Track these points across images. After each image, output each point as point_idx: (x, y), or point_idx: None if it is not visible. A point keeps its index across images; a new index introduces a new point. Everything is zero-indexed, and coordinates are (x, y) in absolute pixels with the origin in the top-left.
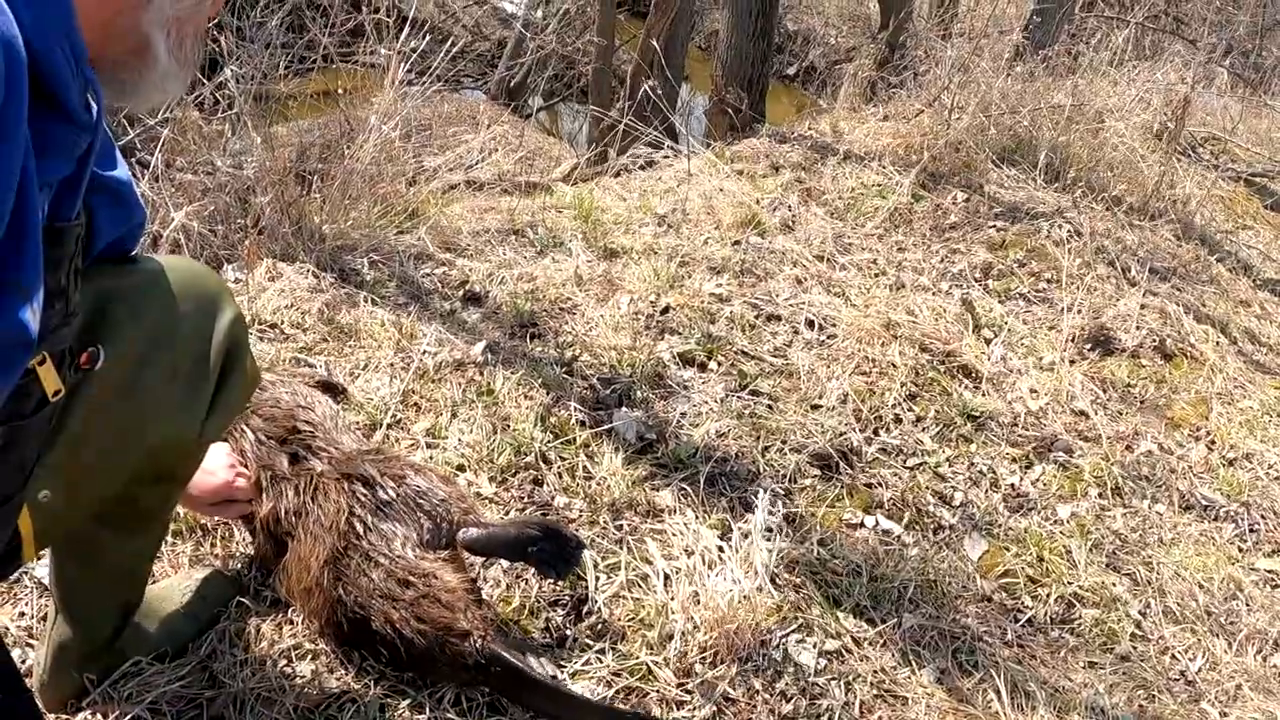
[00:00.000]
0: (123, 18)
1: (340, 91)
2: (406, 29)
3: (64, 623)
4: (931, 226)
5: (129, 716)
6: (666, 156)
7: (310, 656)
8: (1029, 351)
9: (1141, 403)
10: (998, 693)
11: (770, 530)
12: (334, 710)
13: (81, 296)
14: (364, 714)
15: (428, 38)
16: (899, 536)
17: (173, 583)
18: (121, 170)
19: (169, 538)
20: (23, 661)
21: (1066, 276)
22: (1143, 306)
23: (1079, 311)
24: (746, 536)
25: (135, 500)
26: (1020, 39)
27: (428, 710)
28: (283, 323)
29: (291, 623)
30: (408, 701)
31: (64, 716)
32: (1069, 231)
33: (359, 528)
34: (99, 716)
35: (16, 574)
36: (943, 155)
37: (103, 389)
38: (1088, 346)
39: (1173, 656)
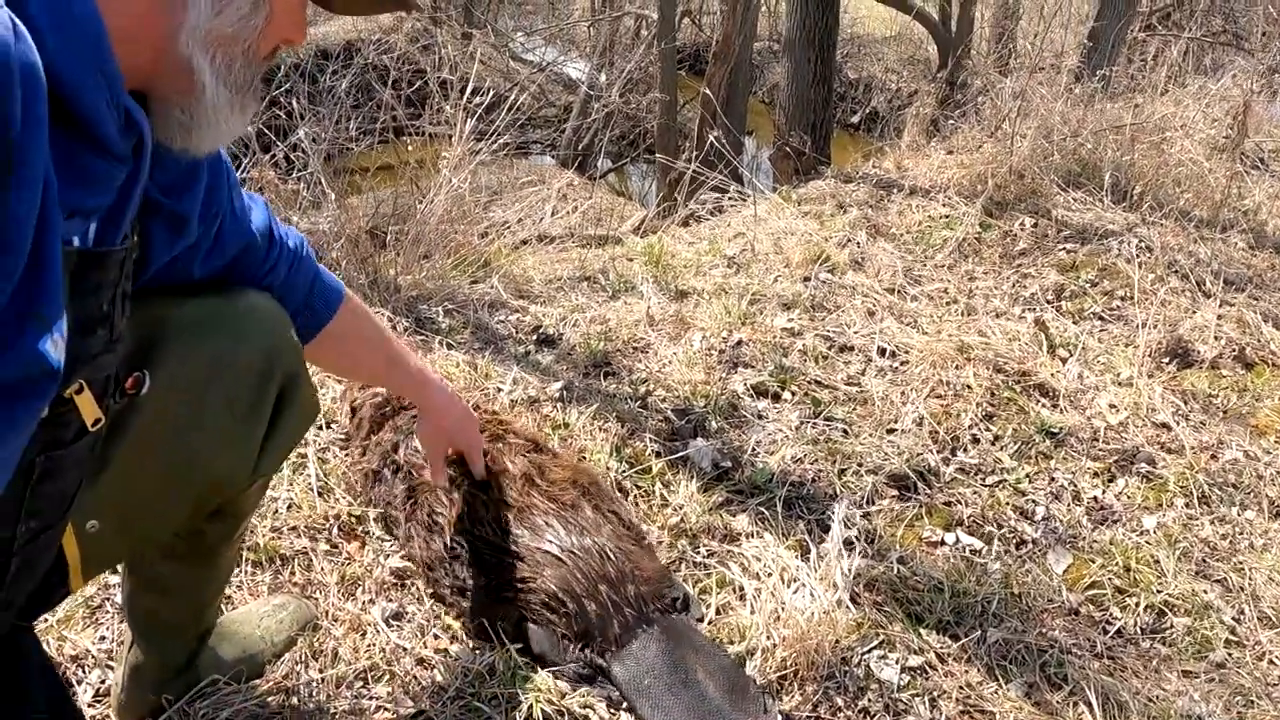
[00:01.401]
0: (163, 41)
1: (408, 161)
2: (470, 88)
3: (139, 648)
4: (1001, 254)
5: None
6: (733, 201)
7: (387, 678)
8: (1106, 368)
9: (1224, 412)
10: (1089, 705)
11: (848, 545)
12: None
13: (134, 322)
14: None
15: (491, 93)
16: (980, 552)
17: (251, 608)
18: (193, 201)
19: (248, 568)
20: (102, 682)
21: (1140, 292)
22: (1219, 317)
23: (1154, 326)
24: (824, 557)
25: (200, 534)
26: (1077, 63)
27: None
28: None
29: (370, 646)
30: (478, 718)
31: None
32: (1139, 248)
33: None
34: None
35: (66, 601)
36: (1007, 183)
37: (154, 420)
38: (1166, 360)
39: (1270, 662)
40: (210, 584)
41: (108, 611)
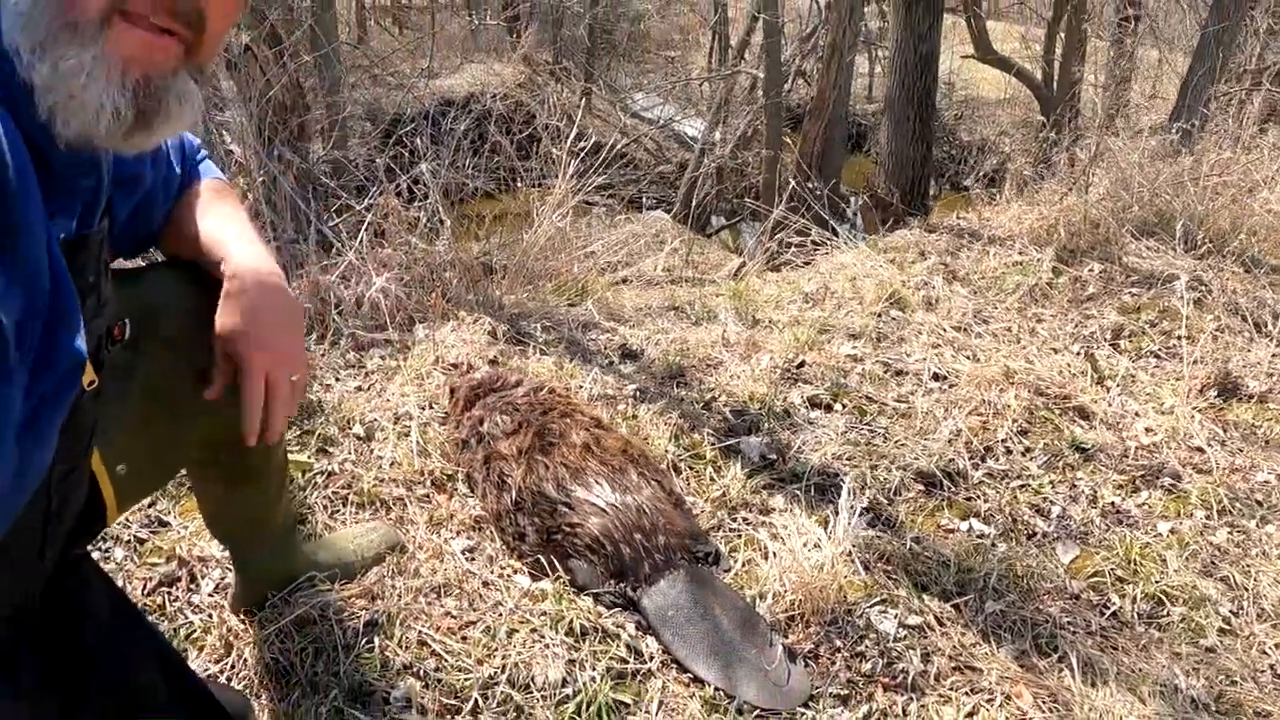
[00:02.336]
0: None
1: (516, 212)
2: (575, 132)
3: (235, 555)
4: (1070, 299)
5: (297, 613)
6: (821, 249)
7: (457, 593)
8: (1150, 398)
9: (1266, 442)
10: (1071, 670)
11: (869, 522)
12: (469, 630)
13: (124, 291)
14: (491, 632)
15: (594, 139)
16: (990, 537)
17: (348, 530)
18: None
19: (352, 509)
20: (222, 579)
21: (1196, 331)
22: (1274, 355)
23: (1204, 360)
24: (849, 521)
25: (236, 459)
26: (1164, 119)
27: (547, 639)
28: (463, 363)
29: (446, 569)
30: (528, 628)
31: None
32: (1200, 290)
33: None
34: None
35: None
36: (1081, 232)
37: (152, 372)
38: (1212, 392)
39: (1262, 651)
40: (261, 495)
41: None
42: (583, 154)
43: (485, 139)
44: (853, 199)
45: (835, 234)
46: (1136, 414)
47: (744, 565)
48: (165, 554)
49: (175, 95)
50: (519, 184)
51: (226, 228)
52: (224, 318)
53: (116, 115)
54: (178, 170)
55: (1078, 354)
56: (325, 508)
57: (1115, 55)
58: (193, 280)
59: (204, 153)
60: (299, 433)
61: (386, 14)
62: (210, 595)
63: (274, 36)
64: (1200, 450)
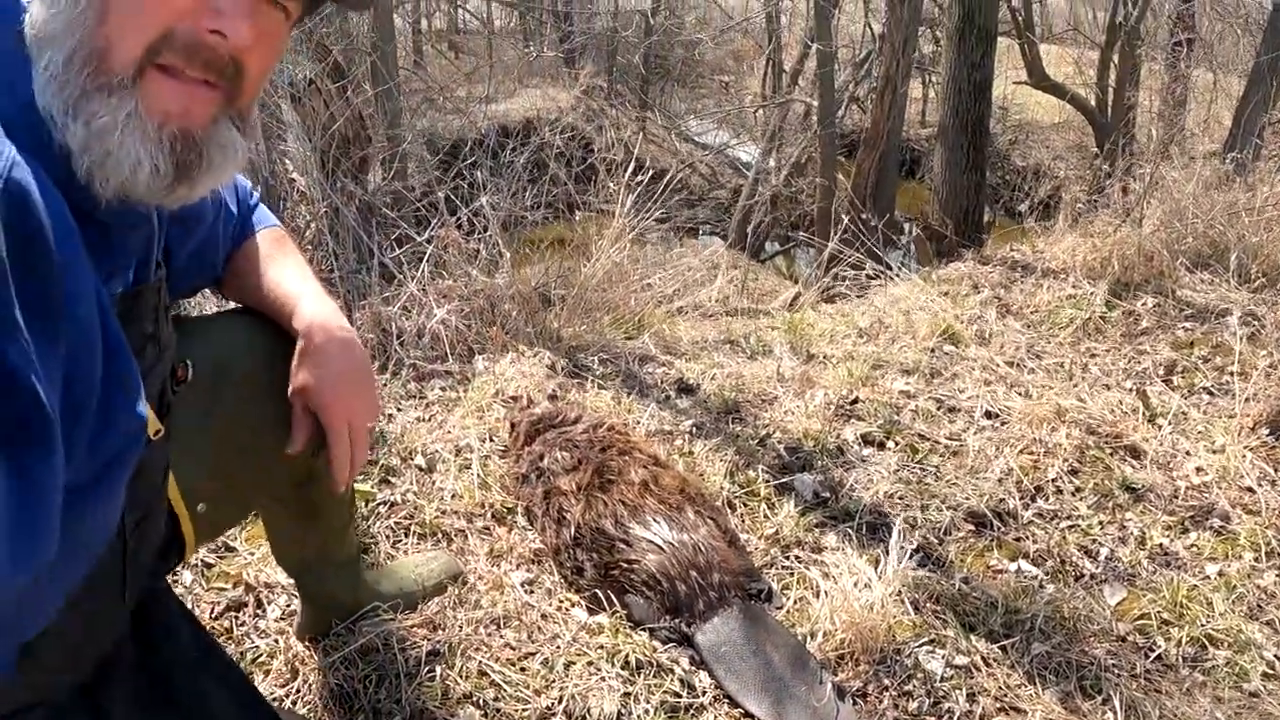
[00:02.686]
0: None
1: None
2: (632, 166)
3: (300, 585)
4: (1123, 333)
5: (361, 641)
6: (876, 280)
7: (516, 625)
8: (1201, 436)
9: None
10: (1114, 713)
11: (919, 562)
12: (528, 661)
13: (199, 338)
14: (550, 664)
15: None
16: (1039, 579)
17: (410, 559)
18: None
19: (414, 539)
20: (287, 605)
21: (1249, 367)
22: None
23: (1257, 398)
24: (899, 560)
25: (304, 495)
26: (1218, 146)
27: (604, 673)
28: (522, 396)
29: (505, 600)
30: (585, 661)
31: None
32: (1253, 324)
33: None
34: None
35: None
36: (1135, 264)
37: (226, 418)
38: (1265, 431)
39: None
40: (328, 529)
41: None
42: (639, 187)
43: (544, 169)
44: (907, 225)
45: (889, 268)
46: (1187, 453)
47: (796, 603)
48: (232, 579)
49: (216, 146)
50: (577, 211)
51: (293, 281)
52: (302, 375)
53: (155, 171)
54: (234, 211)
55: (1130, 390)
56: (388, 537)
57: (1170, 80)
58: (263, 329)
59: (257, 197)
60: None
61: (443, 39)
62: (276, 621)
63: (337, 70)
64: (1250, 490)
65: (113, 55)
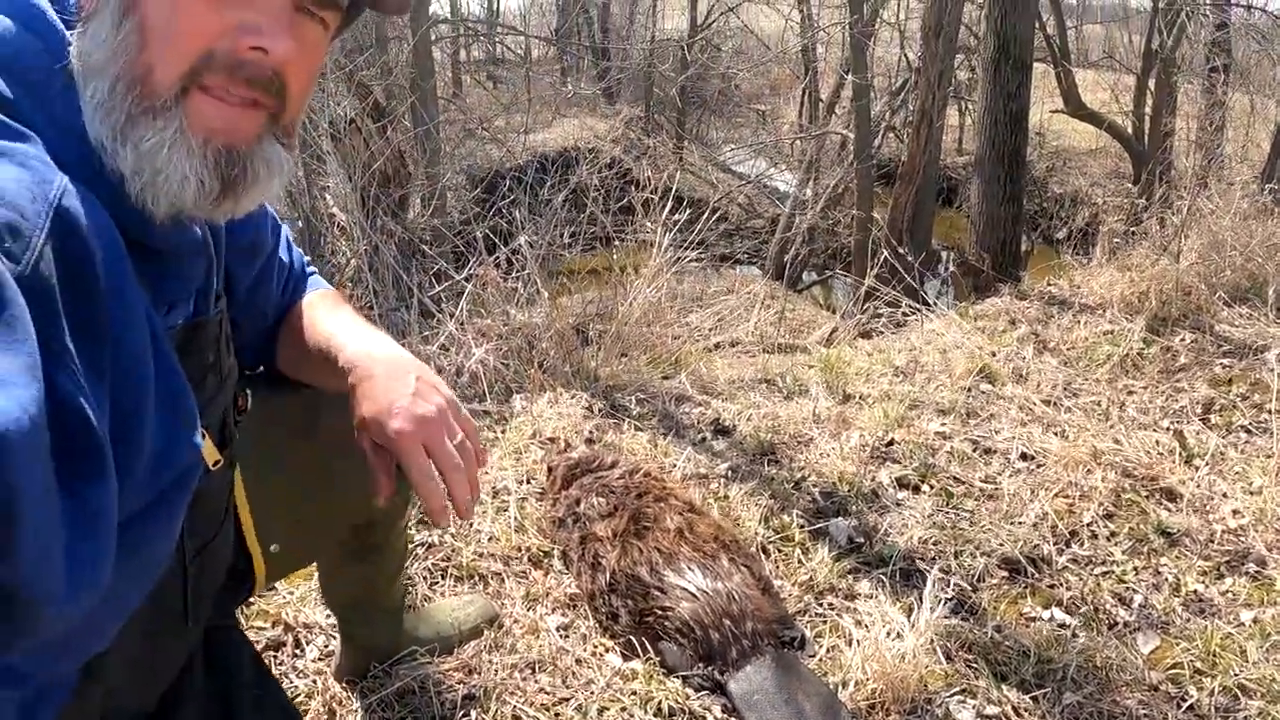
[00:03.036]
0: None
1: (614, 266)
2: (670, 203)
3: (344, 626)
4: (1161, 369)
5: (399, 685)
6: (913, 316)
7: (551, 670)
8: (1239, 477)
9: None
10: None
11: (952, 610)
12: (562, 707)
13: (280, 393)
14: (584, 710)
15: (689, 209)
16: (1071, 627)
17: (447, 601)
18: (255, 225)
19: (450, 581)
20: (325, 646)
21: None
22: None
23: None
24: (932, 609)
25: (363, 538)
26: (1256, 174)
27: (637, 719)
28: (560, 437)
29: (540, 645)
30: (619, 707)
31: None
32: None
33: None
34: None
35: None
36: (1172, 299)
37: (303, 466)
38: None
39: None
40: (380, 574)
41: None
42: (676, 226)
43: (582, 206)
44: (945, 254)
45: (926, 305)
46: (1224, 495)
47: (828, 651)
48: (271, 618)
49: (261, 160)
50: (616, 241)
51: (341, 325)
52: (358, 411)
53: (201, 186)
54: (287, 260)
55: (1167, 430)
56: (425, 579)
57: (1206, 107)
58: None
59: (313, 267)
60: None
61: (481, 70)
62: (314, 662)
63: (377, 109)
64: None
65: (155, 79)
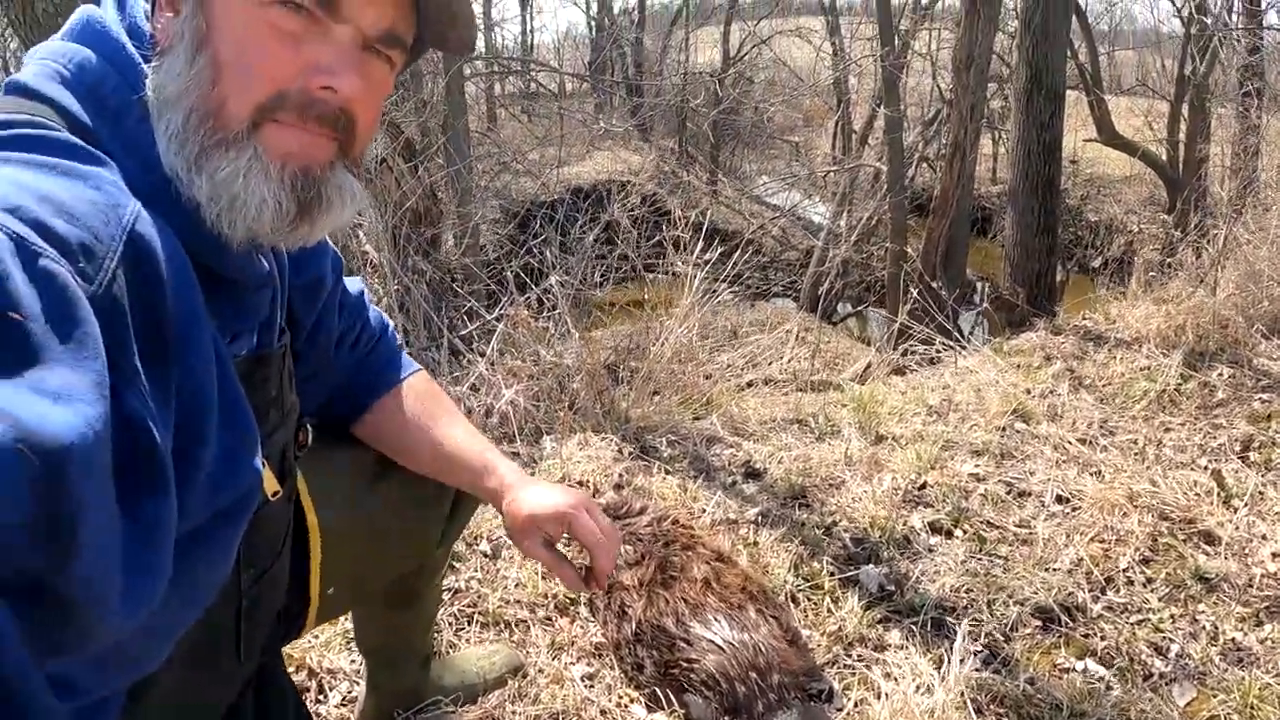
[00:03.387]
0: None
1: (646, 300)
2: (702, 239)
3: (372, 672)
4: (1198, 405)
5: None
6: (947, 352)
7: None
8: (1279, 518)
9: None
10: None
11: (983, 661)
12: None
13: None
14: None
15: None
16: (1106, 679)
17: (472, 650)
18: (318, 262)
19: (476, 628)
20: (349, 692)
21: None
22: None
23: None
24: (962, 662)
25: (405, 586)
26: None
27: None
28: (589, 482)
29: (565, 695)
30: None
31: None
32: None
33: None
34: None
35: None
36: (1209, 333)
37: (368, 516)
38: None
39: None
40: (417, 621)
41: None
42: (709, 264)
43: (614, 241)
44: (980, 285)
45: (960, 343)
46: (1264, 537)
47: (856, 705)
48: (295, 662)
49: (334, 187)
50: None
51: (476, 435)
52: (523, 511)
53: (279, 208)
54: (357, 293)
55: (1205, 469)
56: (451, 624)
57: (1240, 132)
58: None
59: (393, 329)
60: None
61: (516, 102)
62: (337, 707)
63: (409, 147)
64: None
65: (227, 113)
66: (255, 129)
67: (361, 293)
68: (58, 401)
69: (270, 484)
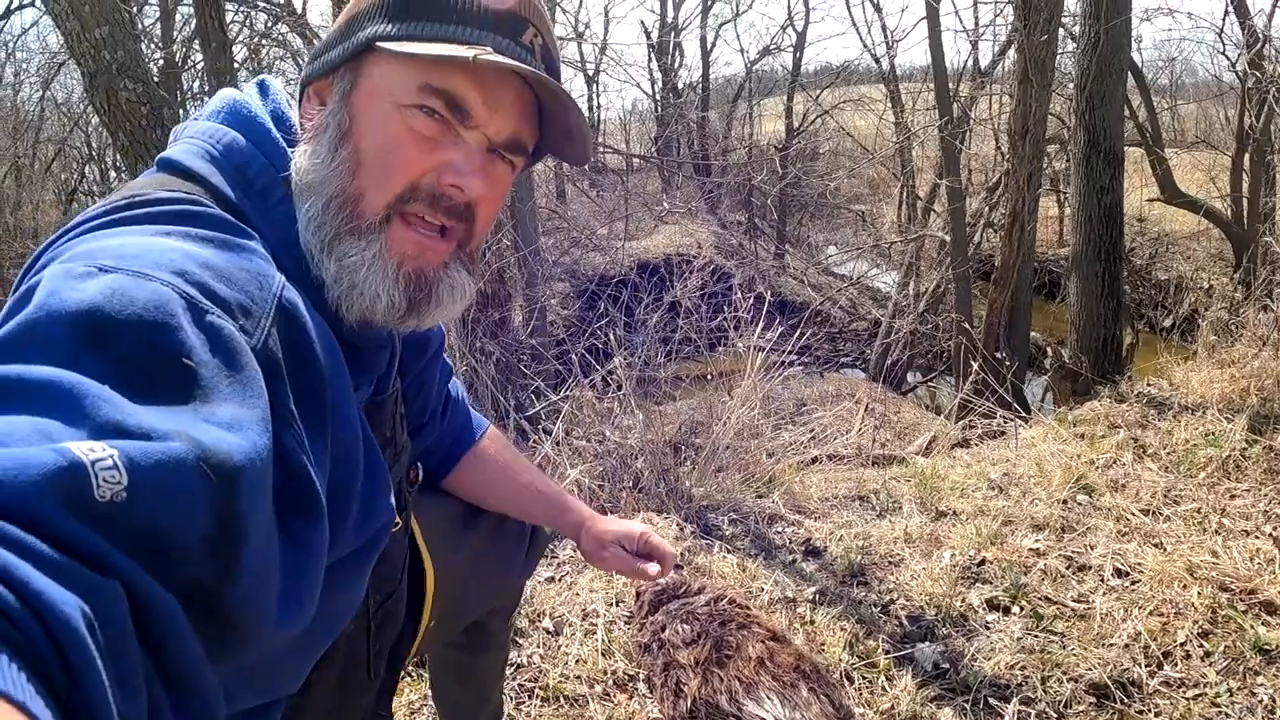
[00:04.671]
0: None
1: (710, 376)
2: (766, 318)
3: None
4: (1264, 470)
5: None
6: (1010, 423)
7: None
8: None
9: None
10: None
11: None
12: None
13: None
14: None
15: (791, 318)
16: None
17: None
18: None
19: (537, 703)
20: None
21: None
22: None
23: None
24: None
25: (483, 625)
26: None
27: None
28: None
29: None
30: None
31: None
32: None
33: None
34: None
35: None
36: (1274, 396)
37: (470, 551)
38: None
39: None
40: (492, 667)
41: (423, 715)
42: (771, 342)
43: (678, 319)
44: (1046, 349)
45: (1022, 414)
46: None
47: None
48: None
49: (446, 286)
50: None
51: (555, 486)
52: (604, 535)
53: (391, 303)
54: (448, 362)
55: (1270, 535)
56: (512, 698)
57: None
58: None
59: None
60: None
61: (584, 178)
62: None
63: None
64: None
65: (364, 203)
66: (386, 223)
67: (450, 368)
68: (230, 430)
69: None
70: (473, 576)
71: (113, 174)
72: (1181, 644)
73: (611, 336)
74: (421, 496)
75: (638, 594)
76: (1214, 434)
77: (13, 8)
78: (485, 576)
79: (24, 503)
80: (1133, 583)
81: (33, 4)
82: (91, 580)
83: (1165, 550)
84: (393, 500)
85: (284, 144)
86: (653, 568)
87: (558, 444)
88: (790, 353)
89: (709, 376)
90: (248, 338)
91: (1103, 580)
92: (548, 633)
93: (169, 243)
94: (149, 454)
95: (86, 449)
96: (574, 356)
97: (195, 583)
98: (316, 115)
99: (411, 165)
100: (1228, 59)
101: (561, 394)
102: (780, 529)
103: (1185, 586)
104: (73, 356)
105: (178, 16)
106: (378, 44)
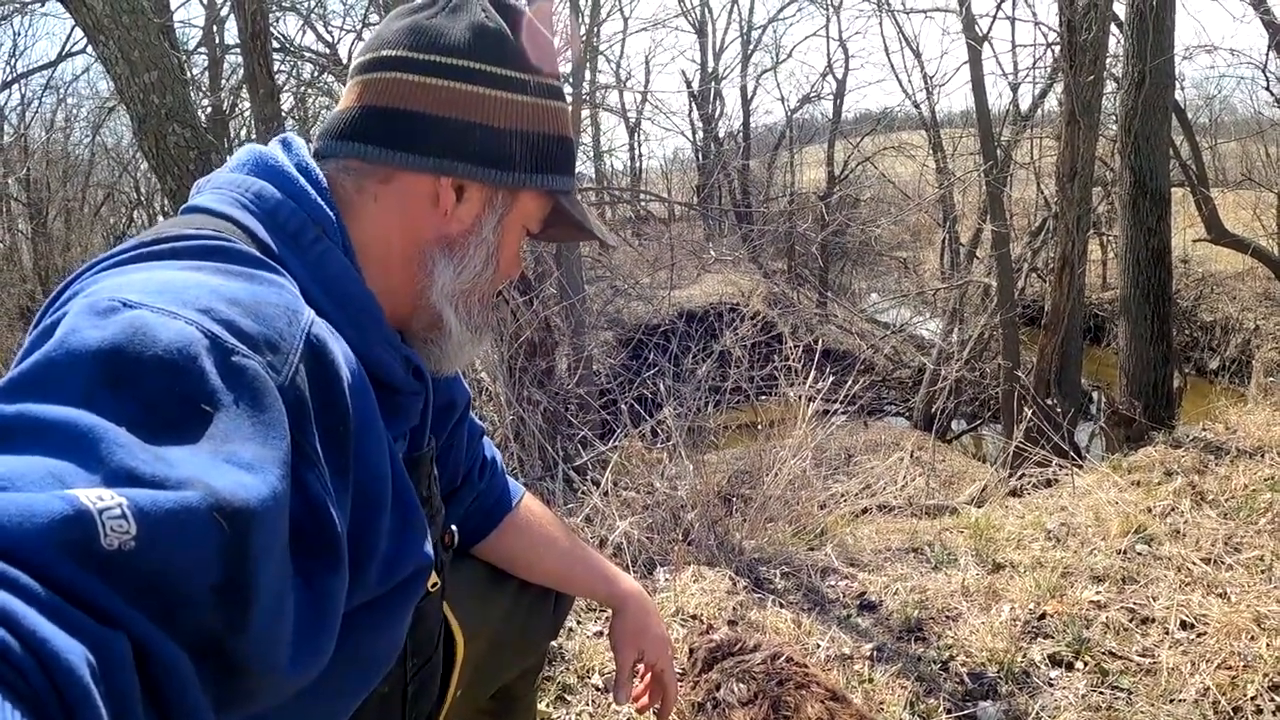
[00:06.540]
0: (418, 298)
1: (760, 425)
2: (814, 369)
3: None
4: None
5: None
6: (1065, 470)
7: None
8: None
9: None
10: None
11: None
12: None
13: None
14: None
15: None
16: None
17: None
18: (455, 389)
19: None
20: None
21: None
22: None
23: None
24: None
25: (509, 690)
26: None
27: None
28: (702, 616)
29: None
30: None
31: None
32: None
33: None
34: None
35: None
36: None
37: (490, 622)
38: None
39: None
40: None
41: None
42: (820, 394)
43: (726, 369)
44: (1096, 394)
45: (1077, 459)
46: None
47: None
48: None
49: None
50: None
51: (589, 550)
52: (630, 629)
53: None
54: (478, 424)
55: None
56: None
57: None
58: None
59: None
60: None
61: (627, 226)
62: None
63: (524, 281)
64: None
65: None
66: None
67: (481, 428)
68: (249, 471)
69: (431, 577)
70: (501, 641)
71: (160, 218)
72: (1252, 698)
73: (661, 386)
74: (458, 564)
75: (691, 650)
76: (1274, 478)
77: (64, 54)
78: (513, 640)
79: (29, 550)
80: (1198, 635)
81: (84, 50)
82: (96, 630)
83: (1230, 600)
84: (430, 549)
85: (314, 193)
86: (623, 694)
87: (606, 495)
88: (838, 401)
89: (758, 425)
90: (275, 374)
91: (1167, 633)
92: (597, 690)
93: (197, 277)
94: (159, 503)
95: (95, 497)
96: (623, 406)
97: (203, 632)
98: (466, 217)
99: (514, 270)
100: (1272, 95)
101: (610, 444)
102: (833, 582)
103: (1253, 638)
104: (91, 396)
105: (225, 65)
106: (556, 195)
